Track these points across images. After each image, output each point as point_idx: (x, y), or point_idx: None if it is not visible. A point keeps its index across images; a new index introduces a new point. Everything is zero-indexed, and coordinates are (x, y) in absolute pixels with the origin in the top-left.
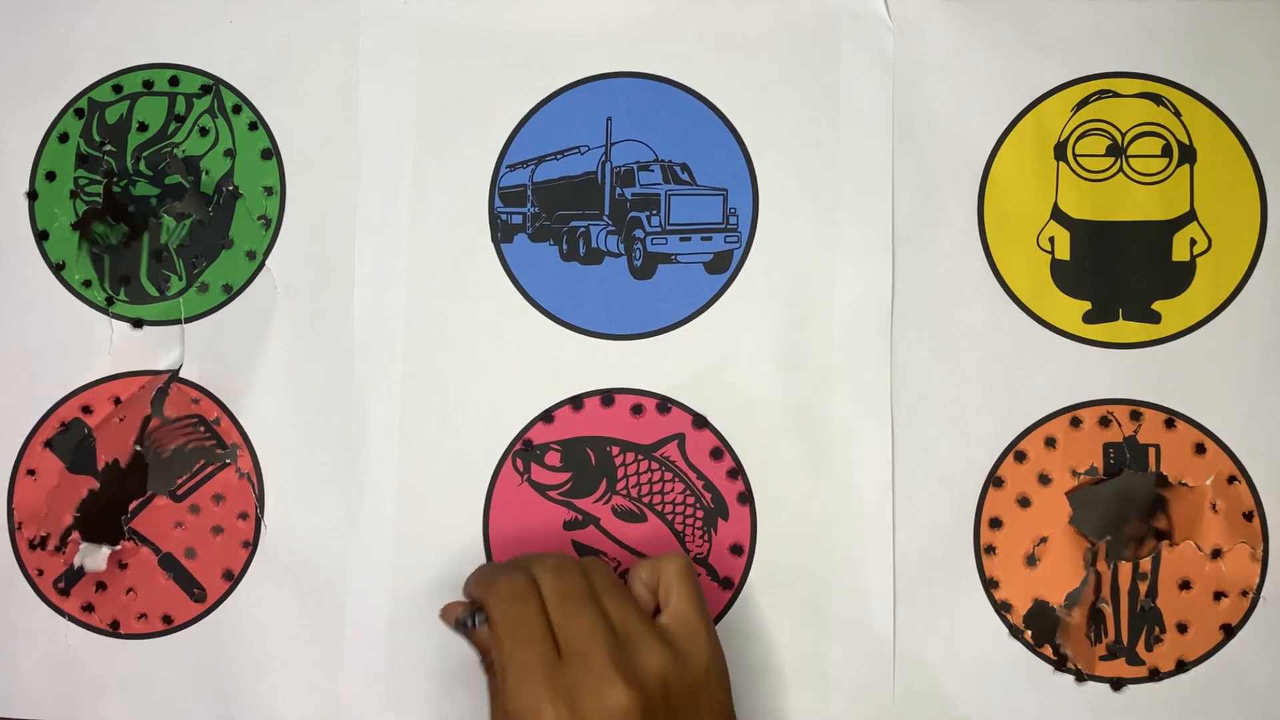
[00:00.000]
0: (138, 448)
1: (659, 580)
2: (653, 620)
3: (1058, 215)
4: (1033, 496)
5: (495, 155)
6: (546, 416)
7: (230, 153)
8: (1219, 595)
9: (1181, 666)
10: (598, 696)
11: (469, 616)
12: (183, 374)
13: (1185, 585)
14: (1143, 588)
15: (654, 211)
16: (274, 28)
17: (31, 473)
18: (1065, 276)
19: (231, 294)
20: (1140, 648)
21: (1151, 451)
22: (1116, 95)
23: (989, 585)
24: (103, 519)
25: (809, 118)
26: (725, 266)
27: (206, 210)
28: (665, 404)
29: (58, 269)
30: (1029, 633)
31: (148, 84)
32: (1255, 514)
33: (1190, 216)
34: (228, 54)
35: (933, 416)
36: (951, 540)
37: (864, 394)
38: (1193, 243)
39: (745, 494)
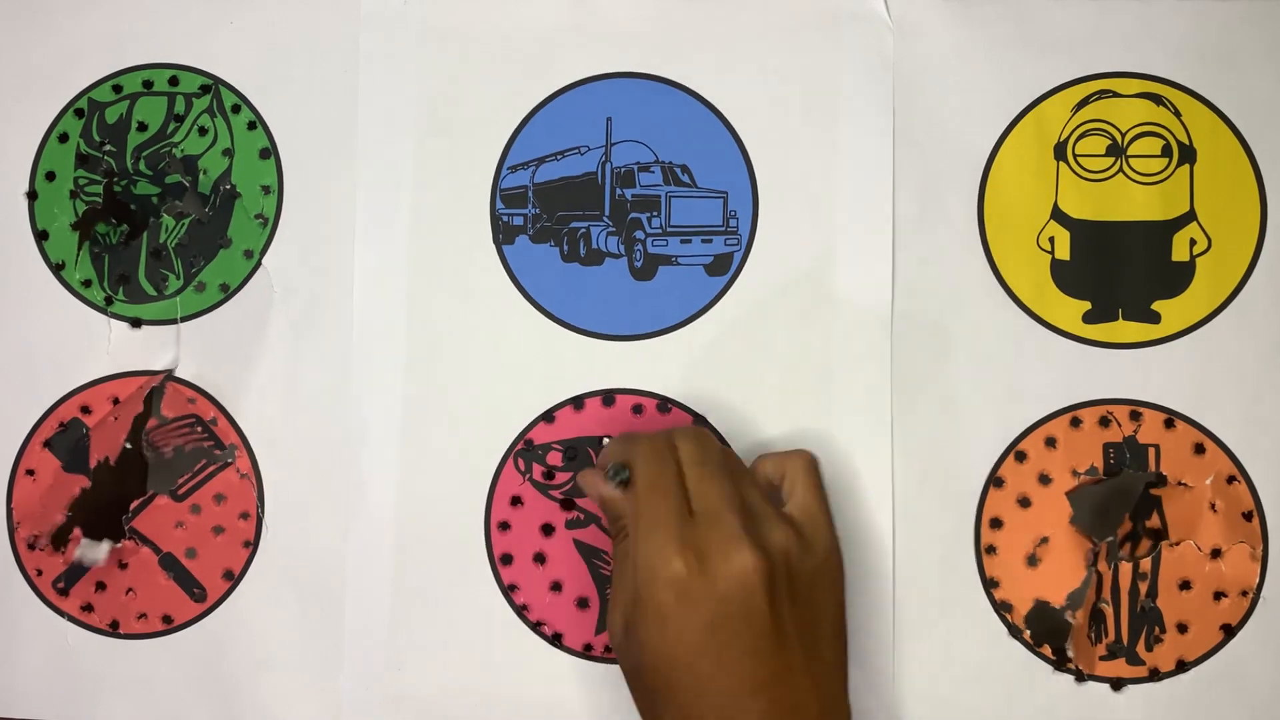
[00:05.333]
0: (127, 445)
1: (784, 473)
2: (778, 508)
3: (1058, 215)
4: (1033, 496)
5: (496, 156)
6: (548, 416)
7: (229, 152)
8: (1219, 595)
9: (1181, 666)
10: (726, 555)
11: (619, 470)
12: (180, 374)
13: (1185, 585)
14: (1143, 588)
15: (654, 213)
16: (274, 28)
17: (31, 473)
18: (1065, 276)
19: (228, 293)
20: (1140, 648)
21: (1151, 451)
22: (1116, 95)
23: (989, 585)
24: (102, 518)
25: (809, 118)
26: (725, 269)
27: (204, 209)
28: (665, 404)
29: (57, 269)
30: (1029, 633)
31: (147, 84)
32: (1255, 514)
33: (1190, 216)
34: (228, 54)
35: (933, 416)
36: (951, 540)
37: (864, 394)
38: (1193, 243)
39: None
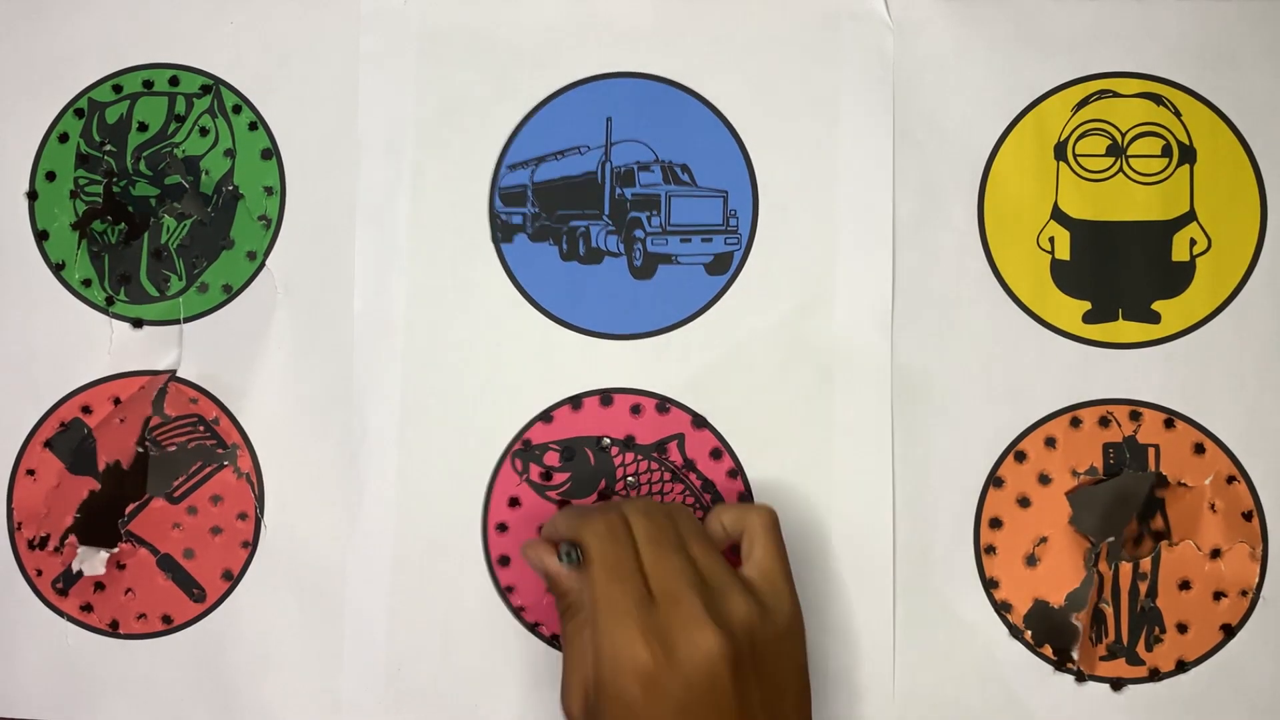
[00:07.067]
0: (139, 449)
1: (742, 529)
2: (736, 570)
3: (1058, 215)
4: (1033, 496)
5: (495, 155)
6: (545, 416)
7: (230, 153)
8: (1219, 595)
9: (1181, 666)
10: (690, 638)
11: (570, 551)
12: (182, 374)
13: (1185, 585)
14: (1143, 588)
15: (654, 212)
16: (274, 28)
17: (31, 473)
18: (1065, 276)
19: (231, 294)
20: (1140, 648)
21: (1151, 451)
22: (1116, 95)
23: (989, 585)
24: (100, 521)
25: (809, 118)
26: (725, 268)
27: (206, 210)
28: (664, 404)
29: (58, 269)
30: (1029, 633)
31: (148, 84)
32: (1255, 514)
33: (1190, 216)
34: (228, 54)
35: (933, 416)
36: (951, 540)
37: (864, 394)
38: (1192, 243)
39: (745, 494)
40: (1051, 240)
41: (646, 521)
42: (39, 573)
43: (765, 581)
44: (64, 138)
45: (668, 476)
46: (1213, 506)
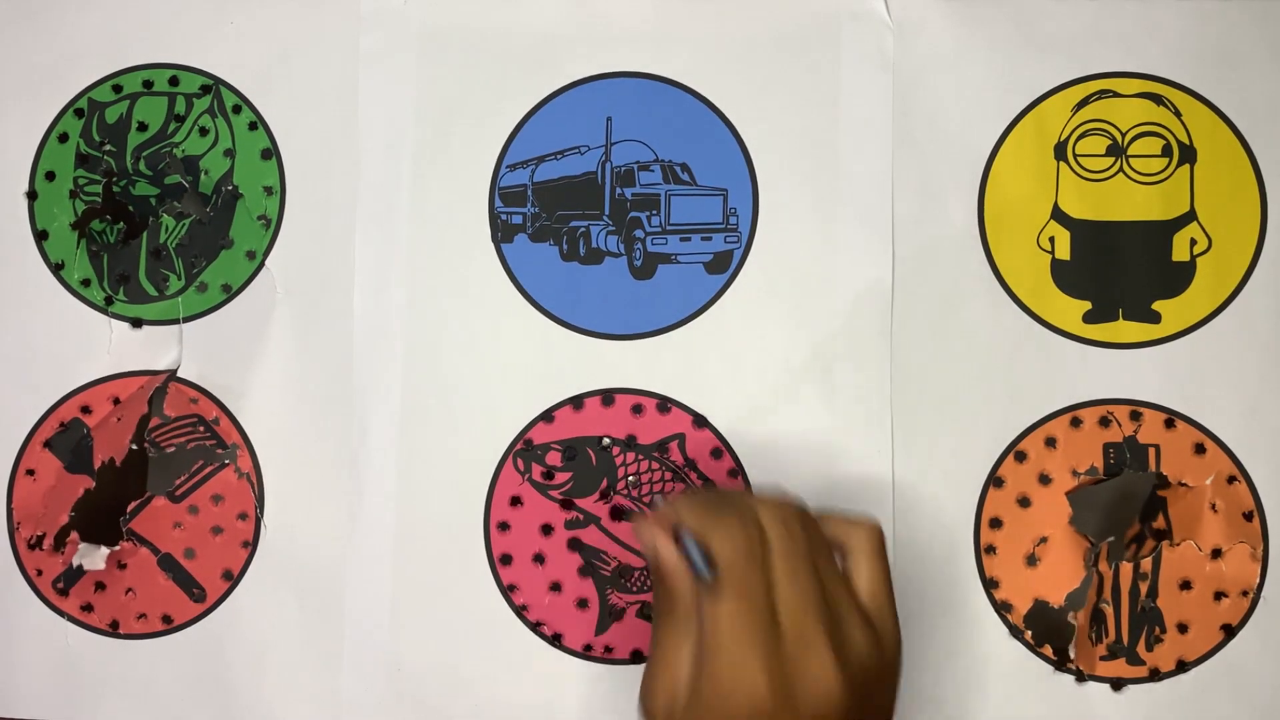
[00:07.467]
0: (134, 446)
1: (846, 543)
2: (853, 593)
3: (1058, 215)
4: (1033, 496)
5: (495, 155)
6: (547, 416)
7: (230, 153)
8: (1219, 595)
9: (1181, 666)
10: (813, 681)
11: (700, 558)
12: (181, 374)
13: (1185, 585)
14: (1143, 588)
15: (654, 211)
16: (274, 28)
17: (31, 473)
18: (1065, 276)
19: (231, 294)
20: (1140, 648)
21: (1151, 451)
22: (1116, 95)
23: (989, 585)
24: (101, 519)
25: (809, 118)
26: (725, 266)
27: (206, 210)
28: (665, 404)
29: (57, 269)
30: (1029, 633)
31: (148, 84)
32: (1255, 514)
33: (1190, 216)
34: (228, 54)
35: (933, 416)
36: (951, 540)
37: (864, 394)
38: (1193, 243)
39: None
40: (1052, 240)
41: (784, 534)
42: (39, 573)
43: (875, 608)
44: (64, 138)
45: (669, 476)
46: (1213, 506)
